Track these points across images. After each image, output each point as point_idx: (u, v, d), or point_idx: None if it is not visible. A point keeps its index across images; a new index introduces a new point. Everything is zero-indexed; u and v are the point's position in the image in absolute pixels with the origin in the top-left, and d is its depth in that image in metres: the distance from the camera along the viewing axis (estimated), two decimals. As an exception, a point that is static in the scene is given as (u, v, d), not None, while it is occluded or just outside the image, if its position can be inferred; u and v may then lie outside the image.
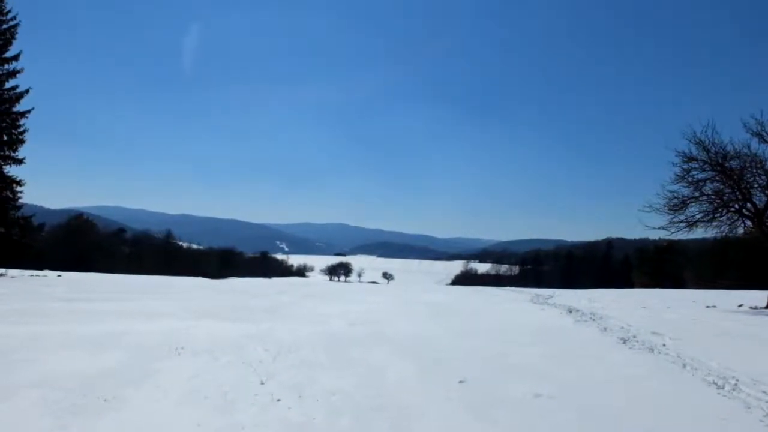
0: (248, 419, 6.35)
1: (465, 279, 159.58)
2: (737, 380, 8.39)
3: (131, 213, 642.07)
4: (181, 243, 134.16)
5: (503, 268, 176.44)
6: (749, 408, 6.98)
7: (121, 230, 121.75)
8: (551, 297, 31.26)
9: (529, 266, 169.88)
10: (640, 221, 23.91)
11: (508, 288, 55.93)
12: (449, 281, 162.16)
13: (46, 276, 32.12)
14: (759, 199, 22.48)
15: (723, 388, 7.99)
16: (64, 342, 10.27)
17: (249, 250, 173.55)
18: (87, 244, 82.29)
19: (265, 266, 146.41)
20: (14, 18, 33.32)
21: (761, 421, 6.47)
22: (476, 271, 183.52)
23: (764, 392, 7.70)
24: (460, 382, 8.23)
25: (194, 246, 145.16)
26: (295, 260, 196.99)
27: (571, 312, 19.93)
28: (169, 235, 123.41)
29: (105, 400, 6.80)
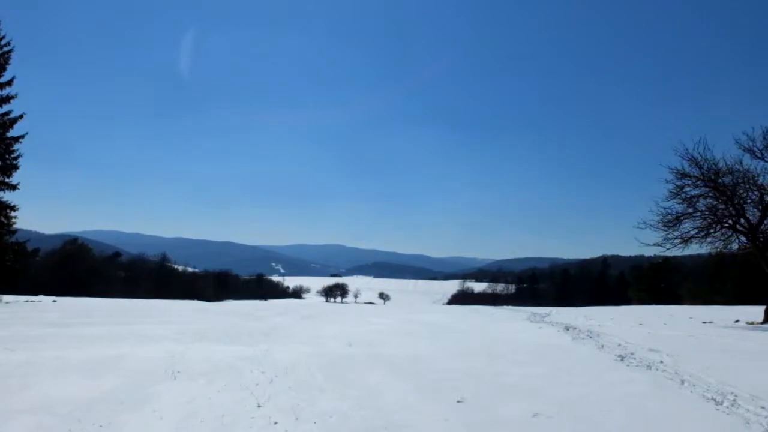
0: (245, 443, 6.31)
1: (462, 298, 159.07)
2: (736, 396, 8.38)
3: (127, 237, 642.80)
4: (176, 266, 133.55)
5: (500, 287, 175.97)
6: (748, 424, 6.96)
7: (117, 254, 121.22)
8: (548, 315, 31.28)
9: (525, 284, 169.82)
10: (635, 238, 24.04)
11: (504, 307, 56.00)
12: (446, 301, 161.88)
13: (41, 301, 32.00)
14: (752, 214, 22.63)
15: (722, 404, 7.97)
16: (59, 367, 10.19)
17: (244, 273, 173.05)
18: (82, 269, 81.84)
19: (261, 288, 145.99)
20: (8, 44, 33.52)
21: (760, 436, 6.46)
22: (473, 290, 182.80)
23: (763, 408, 7.69)
24: (458, 401, 8.20)
25: (189, 269, 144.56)
26: (290, 282, 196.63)
27: (568, 330, 19.92)
28: (164, 258, 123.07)
29: (100, 426, 6.74)
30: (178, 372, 10.12)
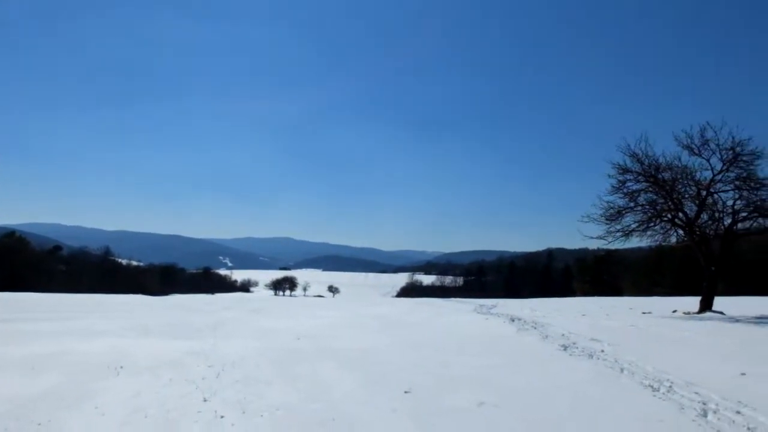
0: (191, 437, 6.26)
1: (411, 291, 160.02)
2: (672, 383, 8.69)
3: (67, 230, 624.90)
4: (120, 260, 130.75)
5: (448, 280, 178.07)
6: (683, 409, 7.23)
7: (57, 248, 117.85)
8: (494, 307, 31.73)
9: (473, 277, 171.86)
10: (579, 231, 24.51)
11: (452, 299, 56.49)
12: (395, 294, 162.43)
13: (-24, 296, 30.91)
14: (690, 208, 23.36)
15: (658, 390, 8.26)
16: (-4, 364, 9.91)
17: (191, 266, 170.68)
18: (20, 263, 79.47)
19: (208, 282, 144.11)
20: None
21: (694, 420, 6.72)
22: (422, 283, 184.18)
23: (697, 393, 8.00)
24: (406, 392, 8.28)
25: (134, 263, 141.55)
26: (238, 275, 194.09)
27: (513, 321, 20.25)
28: (107, 252, 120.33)
29: (39, 424, 6.58)
30: (122, 367, 9.95)
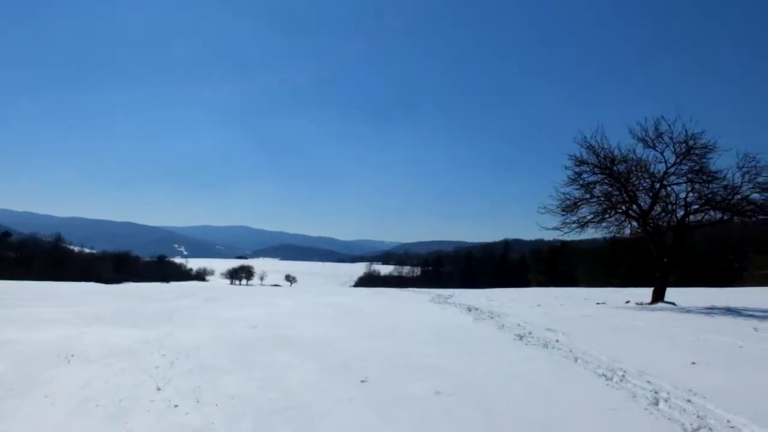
0: (143, 427, 6.13)
1: (368, 281, 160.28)
2: (625, 372, 8.84)
3: (17, 216, 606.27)
4: (72, 247, 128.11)
5: (405, 270, 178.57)
6: (635, 397, 7.36)
7: (6, 234, 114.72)
8: (451, 297, 31.93)
9: (430, 267, 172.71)
10: (535, 222, 24.79)
11: (410, 289, 56.70)
12: (353, 283, 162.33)
13: None
14: (644, 201, 23.78)
15: (612, 379, 8.39)
16: (-61, 353, 9.56)
17: (145, 254, 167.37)
18: (-34, 249, 77.06)
19: (163, 270, 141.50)
20: None
21: (646, 409, 6.84)
22: (379, 272, 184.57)
23: (649, 382, 8.15)
24: (362, 381, 8.25)
25: (86, 250, 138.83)
26: (194, 264, 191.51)
27: (470, 311, 20.39)
28: (58, 238, 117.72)
29: (-14, 413, 6.37)
30: (72, 356, 9.70)
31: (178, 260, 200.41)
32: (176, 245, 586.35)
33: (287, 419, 6.44)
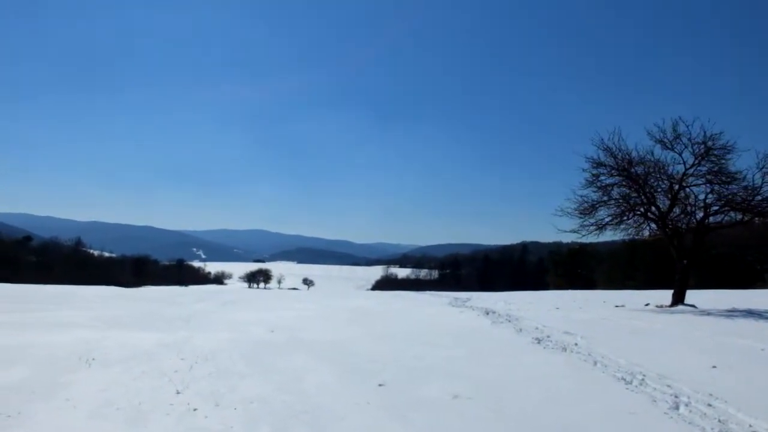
0: (163, 430, 6.19)
1: (385, 284, 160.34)
2: (644, 376, 8.76)
3: (38, 220, 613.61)
4: (92, 251, 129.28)
5: (423, 273, 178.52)
6: (655, 401, 7.30)
7: (27, 238, 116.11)
8: (469, 300, 31.82)
9: (447, 270, 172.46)
10: (552, 225, 24.62)
11: (427, 292, 56.59)
12: (370, 287, 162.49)
13: (-57, 288, 30.28)
14: (662, 202, 23.53)
15: (631, 383, 8.32)
16: (-37, 356, 9.69)
17: (164, 258, 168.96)
18: (-11, 254, 78.05)
19: (182, 274, 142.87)
20: None
21: (666, 413, 6.78)
22: (396, 276, 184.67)
23: (669, 386, 8.07)
24: (380, 385, 8.25)
25: (106, 254, 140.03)
26: (212, 267, 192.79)
27: (488, 314, 20.31)
28: (78, 242, 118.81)
29: (8, 416, 6.48)
30: (93, 359, 9.80)
31: (196, 264, 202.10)
32: (195, 249, 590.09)
33: (304, 422, 6.46)
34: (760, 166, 20.97)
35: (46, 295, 29.43)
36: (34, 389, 7.71)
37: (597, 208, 23.74)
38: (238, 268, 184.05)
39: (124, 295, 32.95)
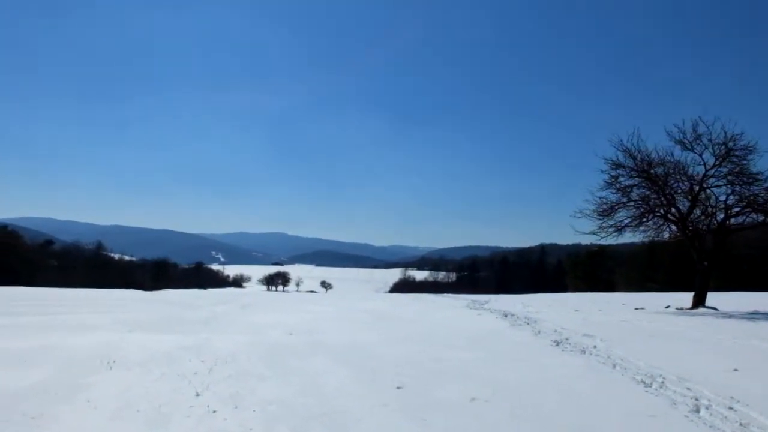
0: (183, 432, 6.23)
1: (403, 286, 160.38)
2: (664, 378, 8.70)
3: (59, 224, 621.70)
4: (112, 254, 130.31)
5: (441, 275, 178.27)
6: (675, 404, 7.24)
7: (49, 242, 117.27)
8: (487, 302, 31.72)
9: (465, 272, 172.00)
10: (571, 227, 24.56)
11: (445, 294, 56.46)
12: (388, 289, 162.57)
13: (-33, 291, 30.72)
14: (682, 204, 23.37)
15: (651, 386, 8.26)
16: (-13, 359, 9.83)
17: (183, 261, 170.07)
18: (12, 257, 79.01)
19: (201, 277, 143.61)
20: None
21: (686, 416, 6.73)
22: (414, 278, 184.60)
23: (689, 389, 8.01)
24: (398, 387, 8.26)
25: (126, 257, 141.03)
26: (231, 270, 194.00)
27: (506, 316, 20.25)
28: (99, 246, 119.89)
29: (32, 418, 6.55)
30: (114, 362, 9.89)
31: (215, 267, 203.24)
32: (214, 252, 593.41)
33: (323, 425, 6.48)
34: (783, 167, 20.75)
35: (68, 298, 29.74)
36: (56, 391, 7.79)
37: (616, 209, 23.63)
38: (256, 271, 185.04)
39: (144, 298, 33.23)
